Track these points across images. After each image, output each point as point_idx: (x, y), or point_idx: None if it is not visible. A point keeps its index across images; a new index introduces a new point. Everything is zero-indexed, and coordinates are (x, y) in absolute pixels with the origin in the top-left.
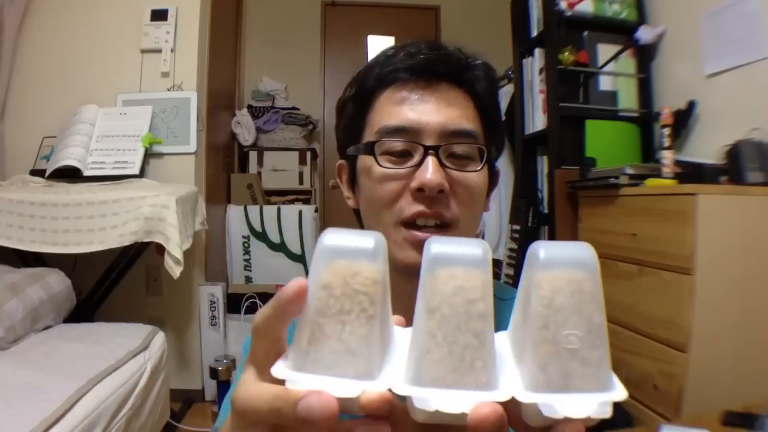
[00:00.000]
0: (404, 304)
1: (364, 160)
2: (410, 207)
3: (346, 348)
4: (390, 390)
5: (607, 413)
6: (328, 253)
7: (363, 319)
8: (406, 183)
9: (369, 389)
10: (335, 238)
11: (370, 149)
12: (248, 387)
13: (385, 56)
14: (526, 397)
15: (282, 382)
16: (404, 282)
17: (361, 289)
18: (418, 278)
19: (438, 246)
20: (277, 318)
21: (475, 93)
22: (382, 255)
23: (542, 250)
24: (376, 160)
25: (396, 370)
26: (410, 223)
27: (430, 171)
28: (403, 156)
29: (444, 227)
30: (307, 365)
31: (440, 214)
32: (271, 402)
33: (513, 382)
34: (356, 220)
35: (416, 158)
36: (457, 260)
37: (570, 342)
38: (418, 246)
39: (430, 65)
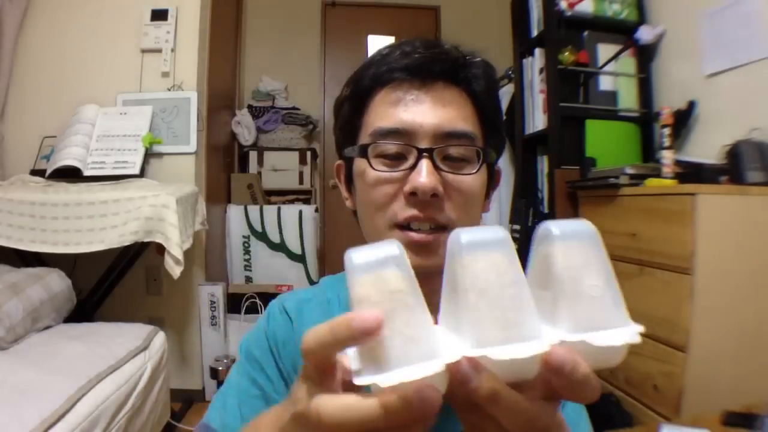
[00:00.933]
0: None
1: (359, 163)
2: (403, 211)
3: (408, 338)
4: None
5: (637, 339)
6: (356, 271)
7: (410, 311)
8: (399, 186)
9: (447, 360)
10: (359, 255)
11: (363, 152)
12: (330, 401)
13: (380, 55)
14: (573, 337)
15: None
16: None
17: (395, 287)
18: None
19: (465, 235)
20: (338, 346)
21: (473, 91)
22: (405, 257)
23: (554, 227)
24: (370, 164)
25: (453, 346)
26: (404, 226)
27: (423, 174)
28: (397, 159)
29: (439, 230)
30: (384, 366)
31: (433, 219)
32: (379, 406)
33: (553, 332)
34: (355, 221)
35: (410, 161)
36: (482, 244)
37: (593, 290)
38: (413, 247)
39: (425, 64)
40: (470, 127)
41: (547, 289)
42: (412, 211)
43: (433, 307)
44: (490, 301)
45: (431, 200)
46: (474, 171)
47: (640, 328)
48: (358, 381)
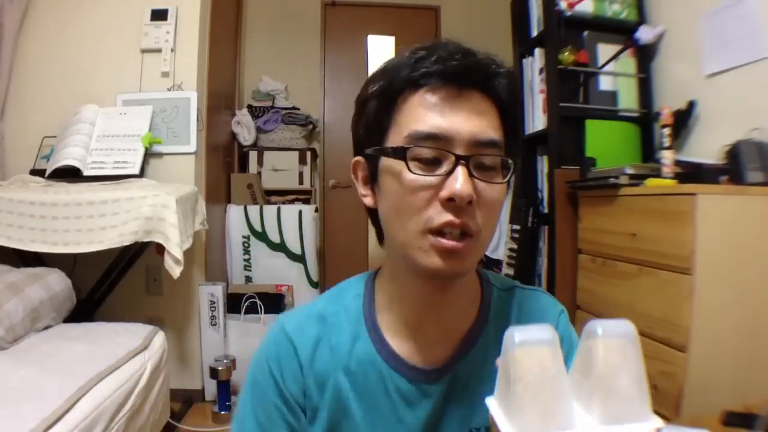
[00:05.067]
0: (424, 306)
1: (391, 163)
2: (439, 216)
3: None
4: None
5: None
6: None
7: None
8: (435, 191)
9: None
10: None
11: (401, 154)
12: None
13: (414, 58)
14: (603, 429)
15: None
16: (424, 285)
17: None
18: (439, 282)
19: (519, 334)
20: None
21: (500, 101)
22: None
23: (599, 326)
24: (408, 167)
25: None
26: (436, 231)
27: (460, 181)
28: (432, 163)
29: (467, 236)
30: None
31: (466, 225)
32: None
33: (585, 421)
34: (370, 218)
35: (446, 167)
36: (532, 341)
37: (625, 389)
38: (443, 253)
39: (463, 73)
40: (498, 136)
41: (587, 379)
42: (448, 217)
43: (445, 311)
44: (533, 393)
45: (465, 207)
46: (504, 180)
47: (660, 423)
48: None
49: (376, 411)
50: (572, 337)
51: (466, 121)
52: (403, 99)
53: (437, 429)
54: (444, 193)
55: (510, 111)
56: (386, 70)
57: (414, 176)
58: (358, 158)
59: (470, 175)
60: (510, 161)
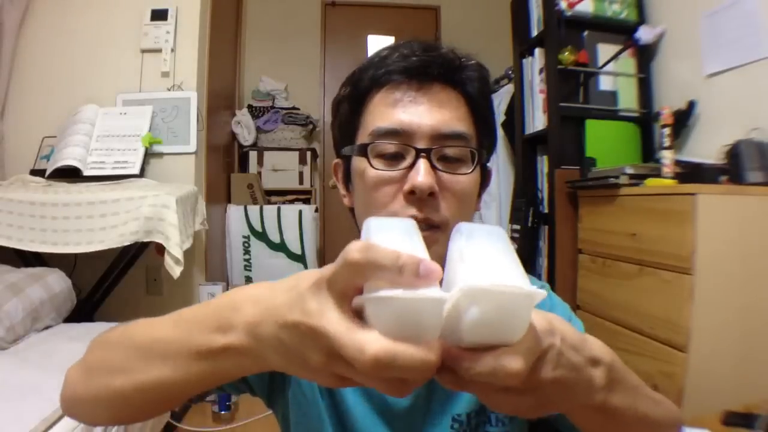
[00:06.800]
0: None
1: (358, 162)
2: (403, 210)
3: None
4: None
5: (542, 294)
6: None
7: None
8: (399, 186)
9: (442, 294)
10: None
11: (363, 151)
12: (378, 340)
13: (378, 57)
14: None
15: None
16: None
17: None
18: None
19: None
20: (388, 274)
21: (467, 93)
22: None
23: (463, 226)
24: (369, 163)
25: None
26: None
27: (420, 174)
28: (395, 158)
29: (433, 228)
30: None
31: (429, 219)
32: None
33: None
34: (353, 218)
35: (408, 160)
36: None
37: (496, 263)
38: None
39: (422, 67)
40: (465, 128)
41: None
42: (412, 211)
43: None
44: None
45: (428, 199)
46: (469, 171)
47: (543, 292)
48: (369, 297)
49: (368, 396)
50: (555, 304)
51: (428, 113)
52: (369, 99)
53: (424, 416)
54: (406, 186)
55: (478, 102)
56: (354, 72)
57: (376, 172)
58: (337, 160)
59: (432, 167)
60: (476, 151)
